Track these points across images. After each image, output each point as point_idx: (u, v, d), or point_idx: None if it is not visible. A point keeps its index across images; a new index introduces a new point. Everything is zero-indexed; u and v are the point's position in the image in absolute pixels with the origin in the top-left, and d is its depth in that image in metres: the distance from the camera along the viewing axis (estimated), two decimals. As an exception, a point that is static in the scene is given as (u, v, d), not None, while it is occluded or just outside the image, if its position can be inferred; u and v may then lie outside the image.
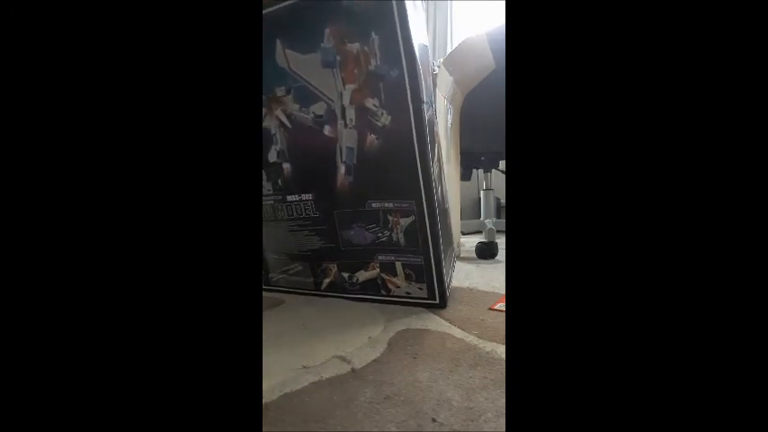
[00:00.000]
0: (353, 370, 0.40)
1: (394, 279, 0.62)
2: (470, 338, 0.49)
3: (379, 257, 0.61)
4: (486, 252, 1.10)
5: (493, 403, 0.33)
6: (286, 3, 0.55)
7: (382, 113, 0.54)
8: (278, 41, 0.56)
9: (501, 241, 1.16)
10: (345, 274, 0.65)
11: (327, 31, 0.53)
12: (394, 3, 0.49)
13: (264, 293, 0.72)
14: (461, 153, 1.17)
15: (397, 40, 0.50)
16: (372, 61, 0.52)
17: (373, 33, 0.51)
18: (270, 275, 0.73)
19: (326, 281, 0.67)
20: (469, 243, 1.31)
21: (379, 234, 0.60)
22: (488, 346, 0.46)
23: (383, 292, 0.63)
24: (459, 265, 1.00)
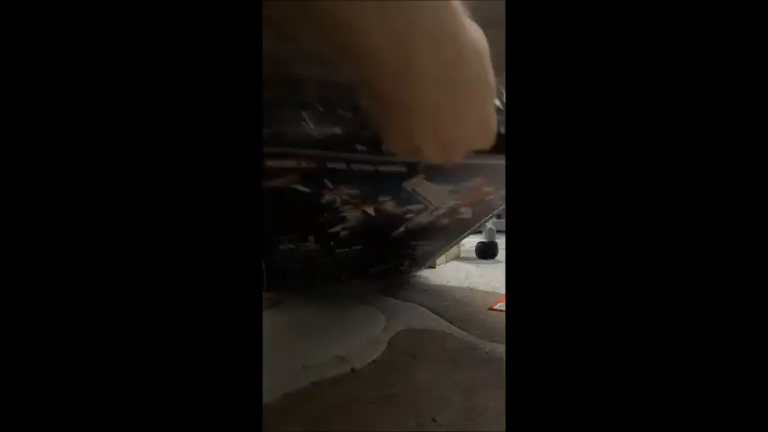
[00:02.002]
0: (353, 370, 0.40)
1: None
2: (470, 338, 0.48)
3: None
4: (486, 252, 1.10)
5: (493, 403, 0.33)
6: None
7: None
8: (422, 176, 0.53)
9: (501, 241, 1.16)
10: None
11: (477, 179, 0.54)
12: None
13: (264, 294, 0.72)
14: (461, 153, 1.16)
15: None
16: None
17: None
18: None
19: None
20: (469, 243, 1.31)
21: None
22: (488, 346, 0.46)
23: None
24: (459, 264, 1.00)
